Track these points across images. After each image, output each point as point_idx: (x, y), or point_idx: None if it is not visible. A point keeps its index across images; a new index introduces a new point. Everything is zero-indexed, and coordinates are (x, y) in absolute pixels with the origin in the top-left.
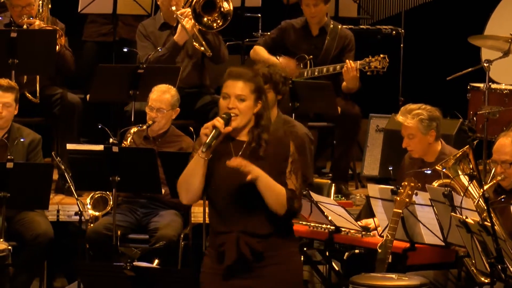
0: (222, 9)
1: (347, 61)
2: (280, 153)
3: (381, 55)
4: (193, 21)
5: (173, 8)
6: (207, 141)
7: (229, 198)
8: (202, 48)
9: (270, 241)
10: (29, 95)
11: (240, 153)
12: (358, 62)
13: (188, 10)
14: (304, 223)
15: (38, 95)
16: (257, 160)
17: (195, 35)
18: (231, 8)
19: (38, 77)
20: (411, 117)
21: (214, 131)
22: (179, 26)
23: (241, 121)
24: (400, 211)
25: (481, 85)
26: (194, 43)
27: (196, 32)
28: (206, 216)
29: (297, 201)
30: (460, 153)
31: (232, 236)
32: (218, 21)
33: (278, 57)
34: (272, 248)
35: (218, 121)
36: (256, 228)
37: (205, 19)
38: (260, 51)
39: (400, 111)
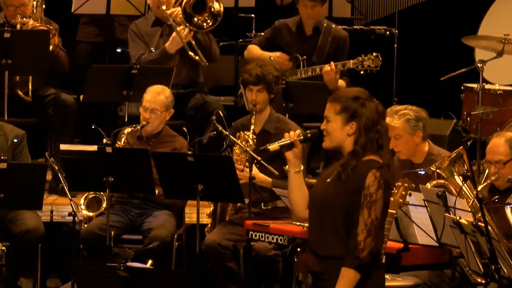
0: (212, 9)
1: (331, 63)
2: (353, 181)
3: (374, 54)
4: (187, 28)
5: (164, 7)
6: (273, 144)
7: (310, 216)
8: (197, 58)
9: (328, 263)
10: (22, 94)
11: (333, 176)
12: (351, 61)
13: (178, 9)
14: (298, 223)
15: (30, 93)
16: (338, 181)
17: (190, 43)
18: (222, 8)
19: (31, 76)
20: (398, 117)
21: (286, 140)
22: (173, 34)
23: (329, 141)
24: (394, 211)
25: (475, 85)
26: (190, 53)
27: (191, 39)
28: (200, 216)
29: (364, 254)
30: (455, 154)
31: (303, 254)
32: (208, 21)
33: (271, 57)
34: (328, 271)
35: (295, 133)
36: (320, 249)
37: (196, 19)
38: (253, 50)
39: (386, 112)
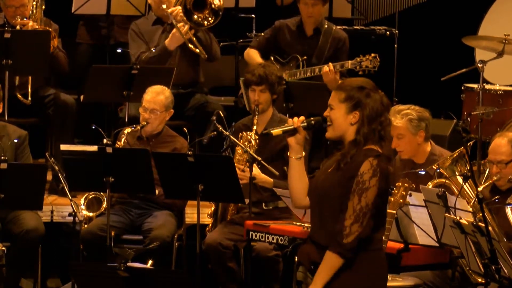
0: (213, 6)
1: (329, 63)
2: (351, 170)
3: (372, 54)
4: (188, 25)
5: (164, 6)
6: (276, 128)
7: (311, 206)
8: (198, 50)
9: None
10: (21, 97)
11: (333, 166)
12: (350, 61)
13: (179, 8)
14: (298, 224)
15: (30, 97)
16: (337, 171)
17: (190, 39)
18: (222, 4)
19: (30, 78)
20: (400, 117)
21: (290, 126)
22: (173, 31)
23: (332, 130)
24: (394, 212)
25: (475, 85)
26: (190, 45)
27: (191, 35)
28: (200, 216)
29: (348, 240)
30: (457, 153)
31: (304, 245)
32: (209, 18)
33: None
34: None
35: (298, 119)
36: (320, 239)
37: (196, 16)
38: (253, 55)
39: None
